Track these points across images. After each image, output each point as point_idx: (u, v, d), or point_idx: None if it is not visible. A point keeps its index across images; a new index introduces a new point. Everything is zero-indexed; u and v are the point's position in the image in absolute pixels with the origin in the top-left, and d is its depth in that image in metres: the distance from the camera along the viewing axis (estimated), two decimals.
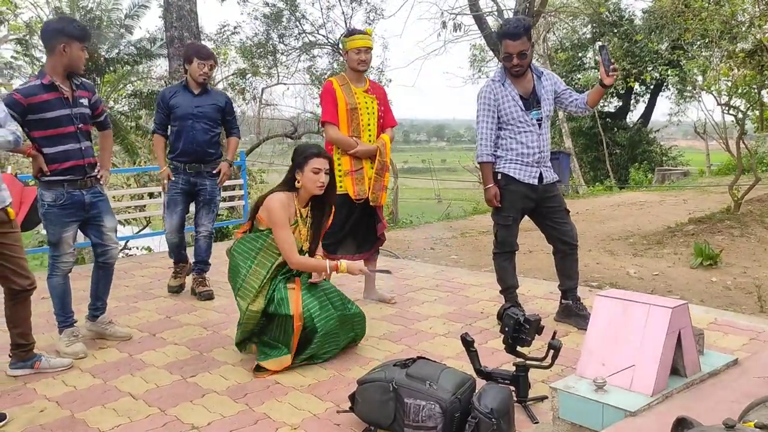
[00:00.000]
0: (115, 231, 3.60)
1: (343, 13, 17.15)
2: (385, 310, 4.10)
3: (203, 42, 12.45)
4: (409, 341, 3.51)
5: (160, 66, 16.14)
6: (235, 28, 17.38)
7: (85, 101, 3.40)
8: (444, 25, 12.44)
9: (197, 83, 4.32)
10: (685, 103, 20.67)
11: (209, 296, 4.43)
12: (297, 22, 17.30)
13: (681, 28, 9.21)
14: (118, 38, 12.77)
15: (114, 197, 9.09)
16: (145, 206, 7.75)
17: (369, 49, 4.01)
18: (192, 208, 4.60)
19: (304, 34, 17.41)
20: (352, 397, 2.56)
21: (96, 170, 3.45)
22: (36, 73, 4.18)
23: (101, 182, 3.51)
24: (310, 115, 18.13)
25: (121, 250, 11.20)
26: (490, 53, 17.26)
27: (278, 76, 18.04)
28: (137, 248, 11.33)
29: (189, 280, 4.64)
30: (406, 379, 2.41)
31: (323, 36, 17.44)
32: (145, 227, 12.21)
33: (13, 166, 10.94)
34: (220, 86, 17.49)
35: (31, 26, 13.05)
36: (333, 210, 3.41)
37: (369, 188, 4.01)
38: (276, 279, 3.19)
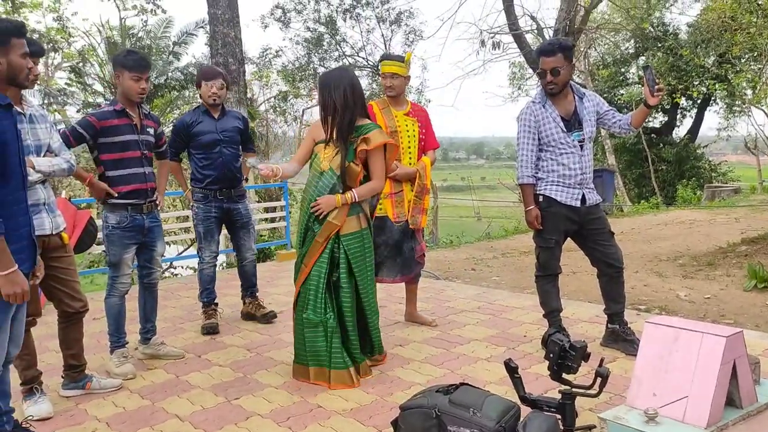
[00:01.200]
0: (162, 255, 3.75)
1: (382, 35, 17.46)
2: (427, 333, 4.07)
3: (246, 66, 12.77)
4: (450, 365, 3.48)
5: None
6: (277, 52, 17.86)
7: (151, 130, 3.62)
8: (483, 44, 12.45)
9: (212, 105, 4.25)
10: (734, 117, 20.06)
11: (273, 316, 4.42)
12: (337, 46, 17.67)
13: (728, 42, 8.99)
14: (167, 65, 13.20)
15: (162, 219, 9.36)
16: (190, 227, 7.97)
17: (395, 75, 3.98)
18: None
19: (344, 57, 17.74)
20: (395, 423, 2.55)
21: (155, 195, 3.61)
22: (107, 100, 4.40)
23: (158, 207, 3.66)
24: None
25: (167, 269, 11.51)
26: (530, 71, 17.18)
27: None
28: (183, 268, 11.57)
29: (228, 303, 4.72)
30: (449, 405, 2.38)
31: (363, 58, 17.75)
32: (189, 247, 12.51)
33: (66, 190, 11.39)
34: (261, 108, 17.90)
35: (84, 54, 13.65)
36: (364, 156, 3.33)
37: (408, 211, 4.01)
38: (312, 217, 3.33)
